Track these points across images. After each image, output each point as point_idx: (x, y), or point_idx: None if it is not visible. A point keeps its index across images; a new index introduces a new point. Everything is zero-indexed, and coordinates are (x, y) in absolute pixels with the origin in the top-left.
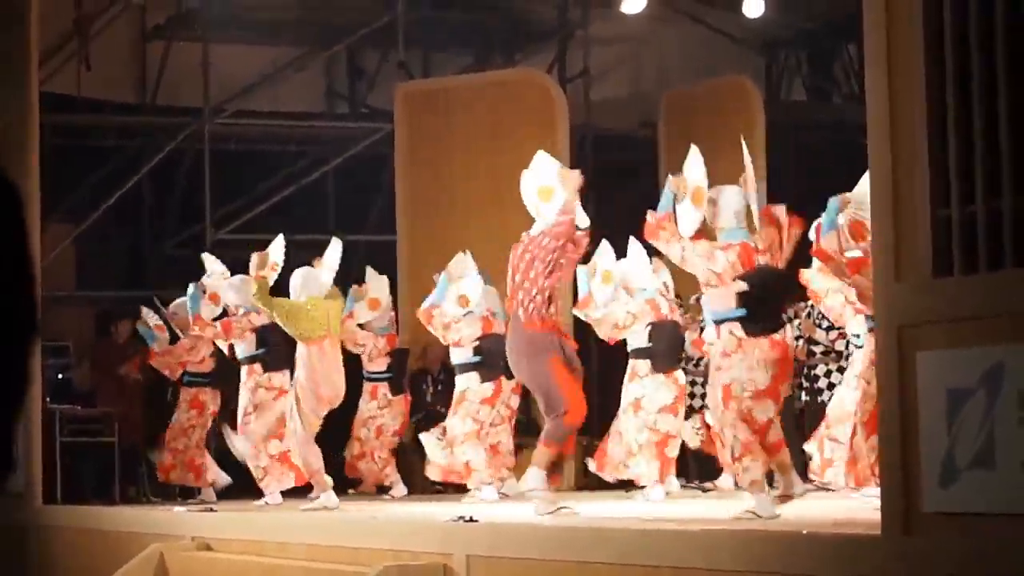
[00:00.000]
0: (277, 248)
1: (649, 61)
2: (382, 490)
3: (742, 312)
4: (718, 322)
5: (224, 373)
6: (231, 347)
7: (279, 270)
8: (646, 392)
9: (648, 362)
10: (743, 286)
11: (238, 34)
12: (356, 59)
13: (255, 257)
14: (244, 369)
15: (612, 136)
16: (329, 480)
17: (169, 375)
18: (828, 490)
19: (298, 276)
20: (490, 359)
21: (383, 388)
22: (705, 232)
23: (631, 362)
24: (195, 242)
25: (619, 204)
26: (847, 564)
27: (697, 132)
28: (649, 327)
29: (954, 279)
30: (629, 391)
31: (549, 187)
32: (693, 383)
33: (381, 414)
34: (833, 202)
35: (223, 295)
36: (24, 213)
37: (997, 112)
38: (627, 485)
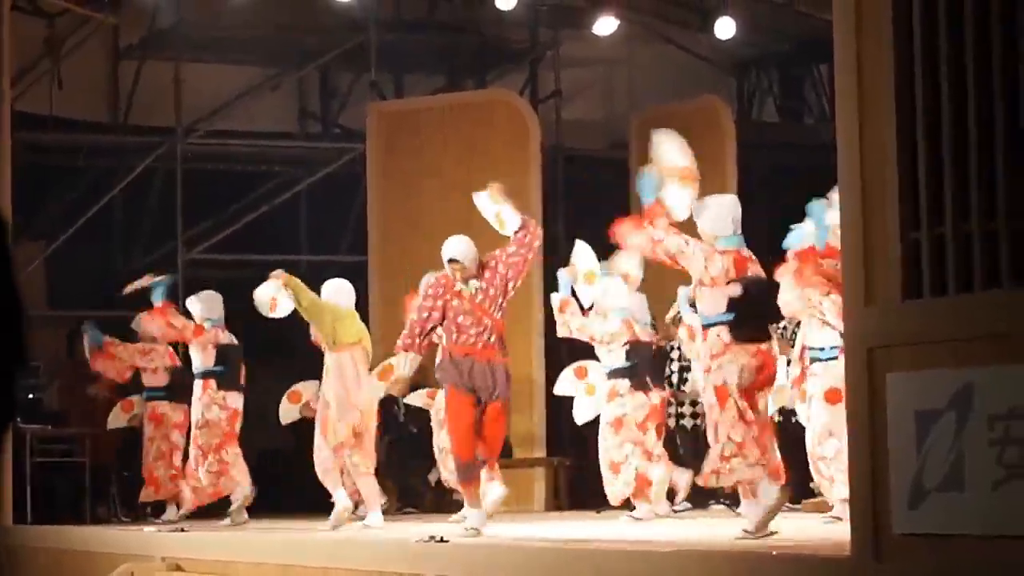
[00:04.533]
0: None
1: (620, 82)
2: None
3: (730, 316)
4: (707, 325)
5: (181, 387)
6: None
7: None
8: (627, 411)
9: (627, 381)
10: (737, 290)
11: (210, 54)
12: (328, 80)
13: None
14: (198, 383)
15: (583, 156)
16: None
17: (116, 377)
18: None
19: (330, 285)
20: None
21: None
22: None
23: (610, 382)
24: (167, 262)
25: (590, 225)
26: None
27: None
28: (627, 347)
29: (923, 301)
30: (609, 410)
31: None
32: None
33: None
34: (818, 204)
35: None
36: (9, 245)
37: (967, 135)
38: (598, 505)
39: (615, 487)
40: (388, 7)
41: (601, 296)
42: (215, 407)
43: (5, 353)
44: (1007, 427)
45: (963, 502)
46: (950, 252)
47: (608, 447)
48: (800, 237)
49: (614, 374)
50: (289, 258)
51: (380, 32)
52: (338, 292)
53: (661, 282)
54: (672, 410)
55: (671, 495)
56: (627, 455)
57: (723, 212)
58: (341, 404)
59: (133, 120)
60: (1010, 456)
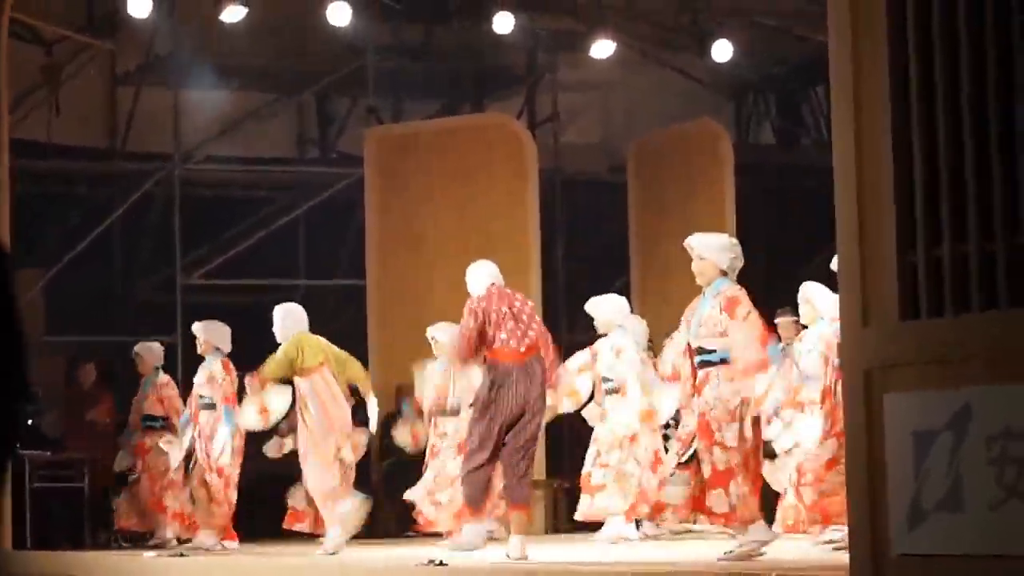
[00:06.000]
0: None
1: (618, 105)
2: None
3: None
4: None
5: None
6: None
7: None
8: (639, 426)
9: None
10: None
11: (208, 80)
12: (326, 105)
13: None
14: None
15: (582, 180)
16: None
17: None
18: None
19: (280, 310)
20: None
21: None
22: None
23: None
24: (165, 287)
25: (589, 248)
26: None
27: (666, 176)
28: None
29: (921, 322)
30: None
31: None
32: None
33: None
34: None
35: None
36: (13, 280)
37: (962, 157)
38: (598, 527)
39: (614, 500)
40: (385, 33)
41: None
42: (238, 436)
43: (7, 387)
44: (1004, 447)
45: (962, 522)
46: (947, 273)
47: (621, 459)
48: None
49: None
50: (287, 282)
51: (377, 57)
52: (291, 318)
53: (657, 308)
54: (669, 432)
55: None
56: (633, 473)
57: (737, 253)
58: (320, 425)
59: (131, 146)
60: (1008, 476)
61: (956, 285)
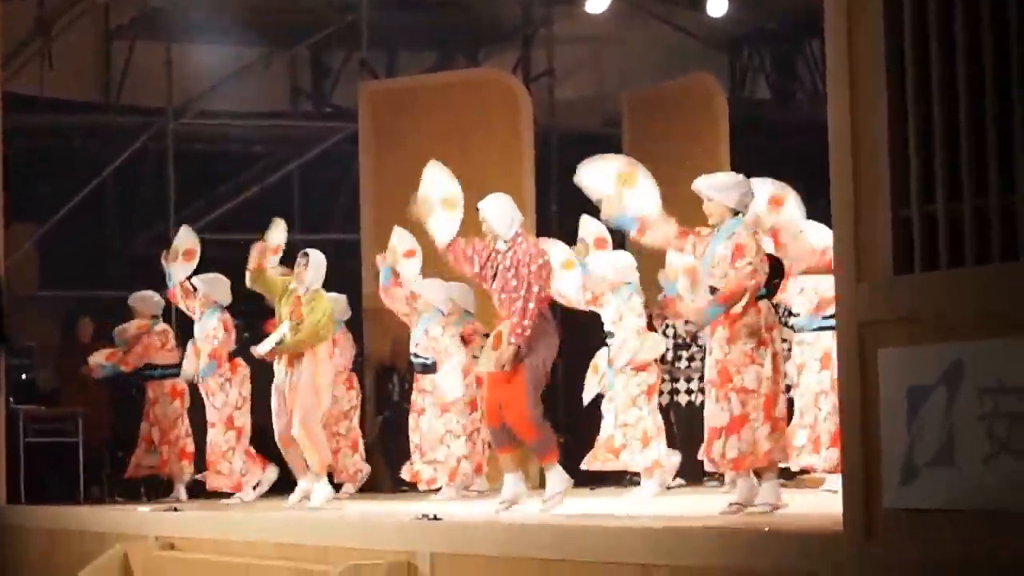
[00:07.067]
0: (278, 232)
1: (613, 60)
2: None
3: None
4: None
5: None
6: None
7: (280, 253)
8: (653, 381)
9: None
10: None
11: (202, 34)
12: (320, 58)
13: (254, 248)
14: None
15: (576, 135)
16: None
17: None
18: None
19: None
20: None
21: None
22: None
23: None
24: (159, 241)
25: (583, 203)
26: (809, 560)
27: (661, 130)
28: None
29: (914, 277)
30: (640, 379)
31: None
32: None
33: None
34: None
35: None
36: None
37: (957, 113)
38: (593, 482)
39: (642, 456)
40: None
41: (614, 270)
42: (247, 384)
43: None
44: (996, 402)
45: (954, 477)
46: (941, 228)
47: (643, 416)
48: None
49: None
50: None
51: (371, 10)
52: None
53: (653, 263)
54: (666, 387)
55: None
56: (659, 427)
57: (746, 189)
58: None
59: (124, 100)
60: (999, 430)
61: (950, 240)
